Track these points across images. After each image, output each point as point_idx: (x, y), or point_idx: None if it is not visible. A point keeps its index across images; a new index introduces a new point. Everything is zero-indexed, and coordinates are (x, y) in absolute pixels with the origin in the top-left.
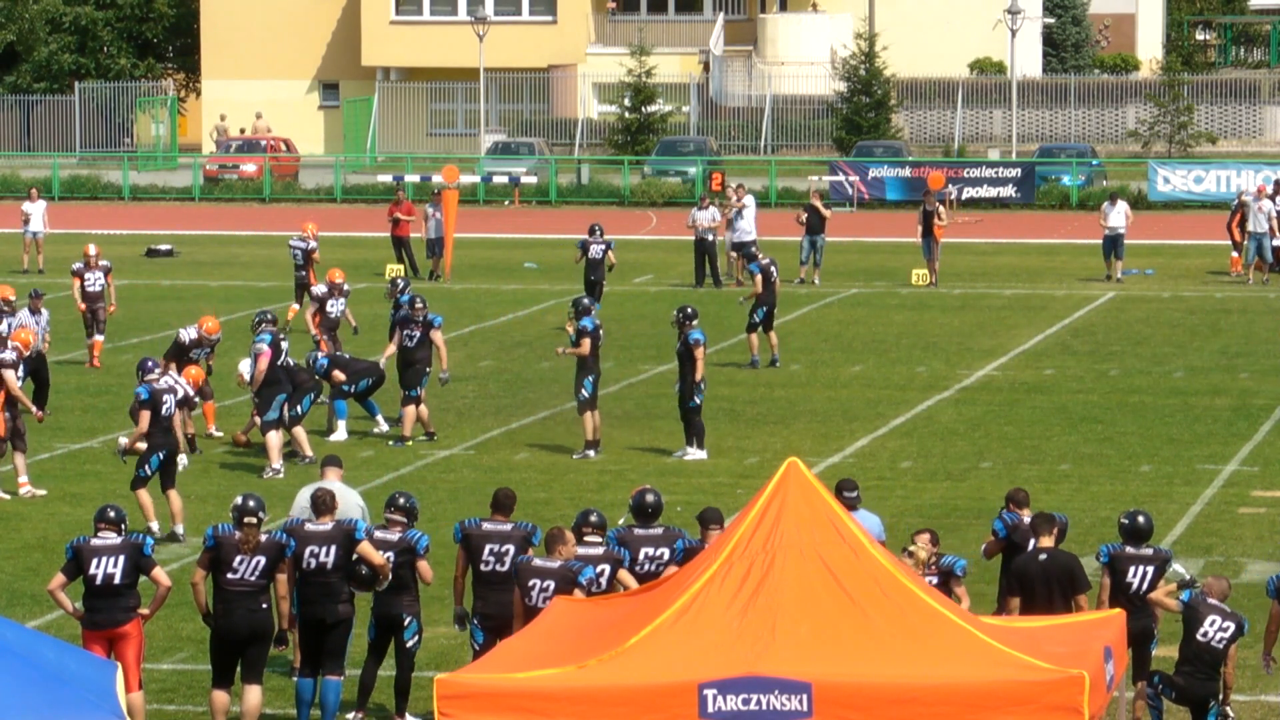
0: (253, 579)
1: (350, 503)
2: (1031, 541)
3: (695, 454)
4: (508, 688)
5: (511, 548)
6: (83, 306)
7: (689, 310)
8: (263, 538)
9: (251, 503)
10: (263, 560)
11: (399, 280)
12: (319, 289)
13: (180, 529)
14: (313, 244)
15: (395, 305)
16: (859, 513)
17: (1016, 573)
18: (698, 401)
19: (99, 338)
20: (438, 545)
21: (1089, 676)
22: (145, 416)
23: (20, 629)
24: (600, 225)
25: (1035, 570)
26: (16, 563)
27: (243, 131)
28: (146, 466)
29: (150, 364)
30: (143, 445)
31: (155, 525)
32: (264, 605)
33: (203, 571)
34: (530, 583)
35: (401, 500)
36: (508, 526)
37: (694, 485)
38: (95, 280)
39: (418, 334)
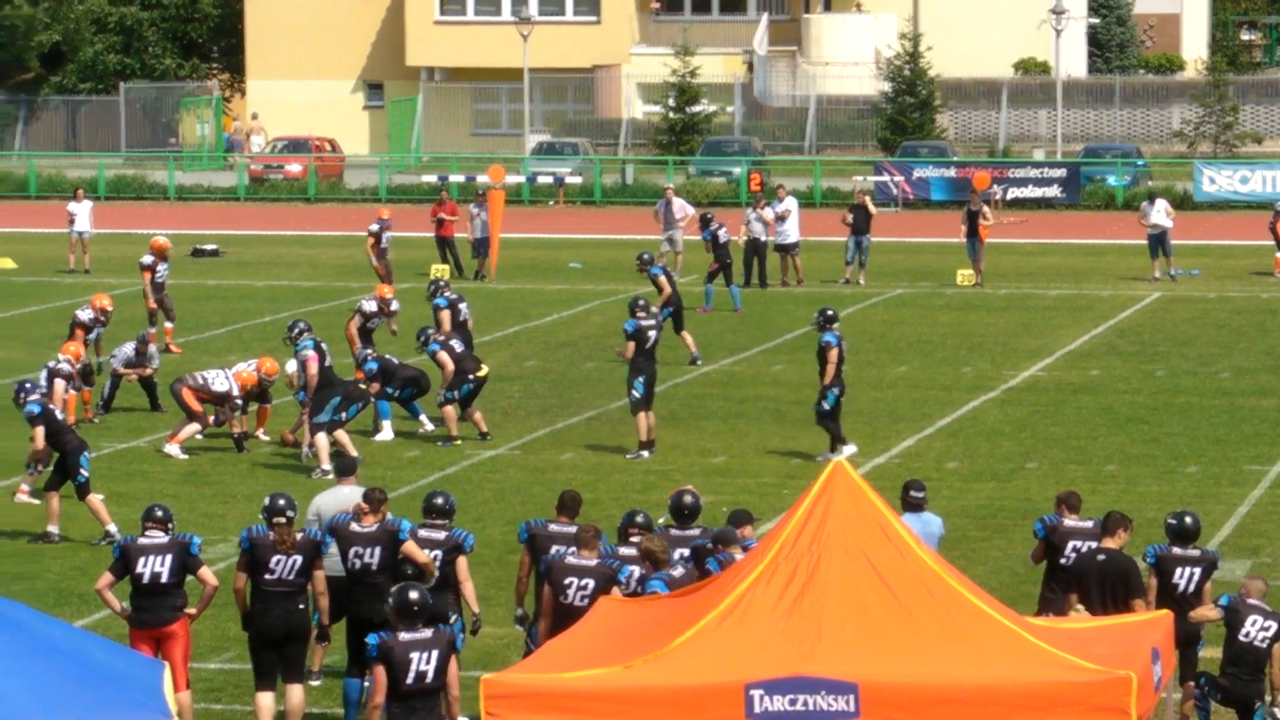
0: (290, 578)
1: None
2: (1071, 543)
3: (841, 451)
4: (554, 688)
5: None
6: (152, 303)
7: (829, 313)
8: (298, 536)
9: (281, 501)
10: (300, 559)
11: (440, 281)
12: (369, 305)
13: (54, 528)
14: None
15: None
16: (925, 514)
17: (1075, 570)
18: (825, 406)
19: (170, 324)
20: (483, 545)
21: (1136, 678)
22: (39, 433)
23: (68, 628)
24: (710, 214)
25: (1092, 569)
26: (64, 562)
27: (237, 131)
28: (83, 471)
29: (30, 385)
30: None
31: (113, 527)
32: (301, 606)
33: (244, 576)
34: (567, 581)
35: (440, 501)
36: (573, 529)
37: (740, 486)
38: (164, 271)
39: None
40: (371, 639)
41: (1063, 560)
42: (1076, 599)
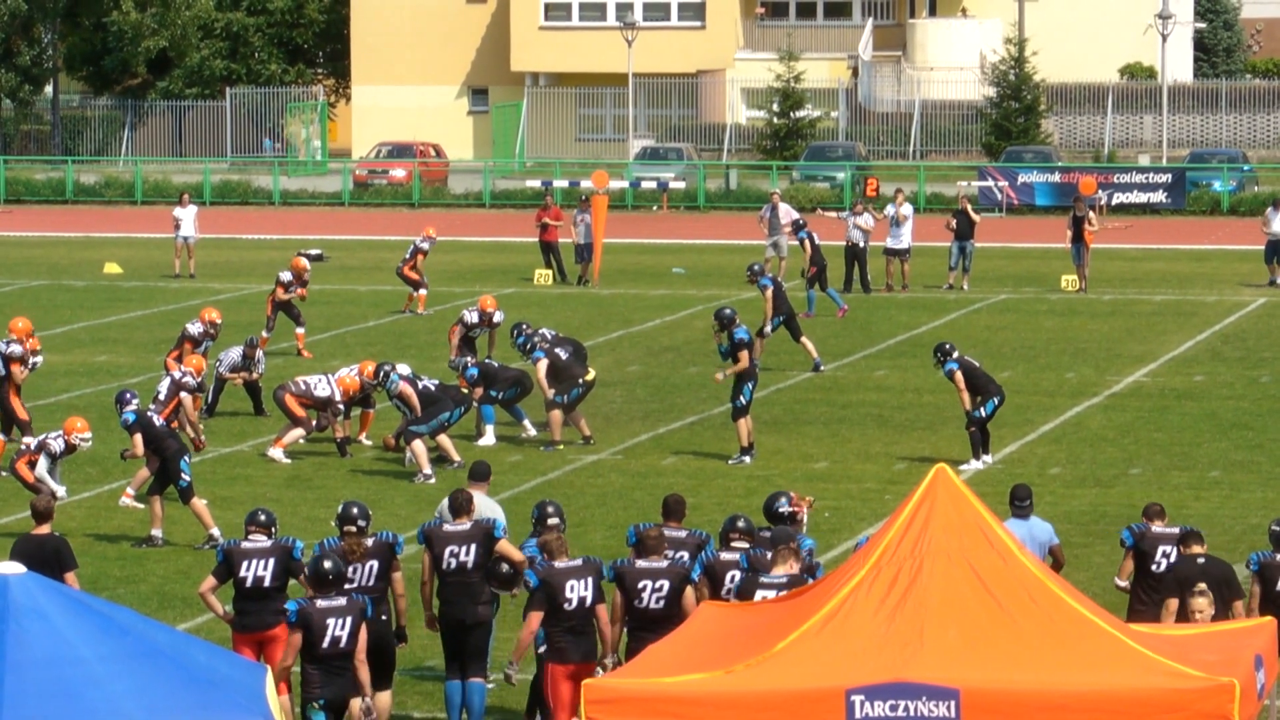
0: (371, 584)
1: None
2: (1161, 548)
3: (972, 462)
4: (655, 692)
5: (684, 554)
6: (270, 311)
7: (945, 347)
8: (368, 542)
9: (354, 510)
10: (376, 564)
11: (522, 330)
12: (471, 316)
13: (157, 532)
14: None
15: (520, 346)
16: (1032, 520)
17: (1176, 575)
18: (980, 414)
19: (300, 329)
20: (585, 549)
21: (1239, 684)
22: (138, 440)
23: (171, 632)
24: (803, 219)
25: (1195, 571)
26: (167, 566)
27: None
28: (184, 475)
29: (129, 395)
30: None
31: (216, 531)
32: (383, 616)
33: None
34: (640, 585)
35: (551, 510)
36: (682, 534)
37: (842, 491)
38: (293, 290)
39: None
40: (291, 605)
41: (1154, 566)
42: (1176, 605)
